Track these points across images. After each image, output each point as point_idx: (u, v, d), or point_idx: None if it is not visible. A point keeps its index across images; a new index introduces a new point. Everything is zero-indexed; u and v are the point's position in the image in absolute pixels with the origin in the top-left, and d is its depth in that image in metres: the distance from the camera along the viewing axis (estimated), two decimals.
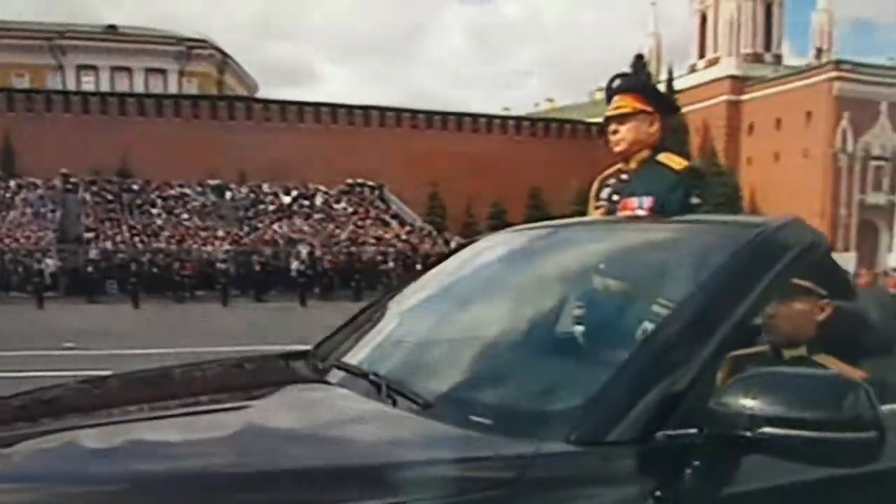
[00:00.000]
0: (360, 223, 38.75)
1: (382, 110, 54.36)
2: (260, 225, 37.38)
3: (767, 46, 70.47)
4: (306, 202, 41.14)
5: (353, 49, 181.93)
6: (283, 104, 52.40)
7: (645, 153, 2.91)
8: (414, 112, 55.30)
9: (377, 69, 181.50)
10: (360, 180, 43.86)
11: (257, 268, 30.19)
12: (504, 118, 59.06)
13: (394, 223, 39.52)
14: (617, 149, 2.97)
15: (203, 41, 55.33)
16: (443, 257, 2.60)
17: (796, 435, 1.24)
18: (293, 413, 1.80)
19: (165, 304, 25.76)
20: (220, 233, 35.27)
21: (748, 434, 1.26)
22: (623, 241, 2.21)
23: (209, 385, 2.21)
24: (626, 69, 60.37)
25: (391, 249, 33.15)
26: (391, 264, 30.61)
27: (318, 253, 31.93)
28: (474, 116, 56.74)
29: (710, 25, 71.65)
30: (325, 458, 1.41)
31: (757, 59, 68.57)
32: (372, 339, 2.24)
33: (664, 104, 3.05)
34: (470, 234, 42.44)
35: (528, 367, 1.86)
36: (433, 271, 2.53)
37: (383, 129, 52.76)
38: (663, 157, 2.90)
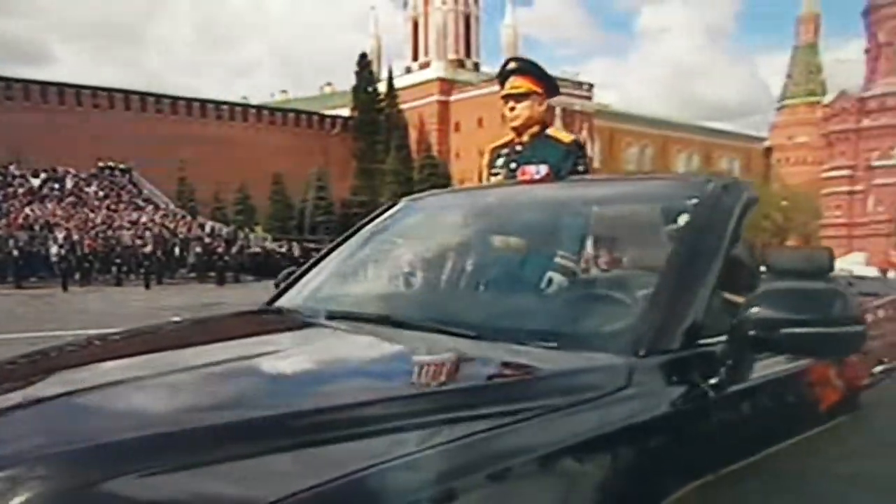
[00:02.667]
0: (113, 207, 36.72)
1: (127, 93, 51.09)
2: (11, 209, 34.32)
3: (468, 54, 75.38)
4: (56, 185, 38.09)
5: (86, 29, 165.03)
6: (26, 83, 47.42)
7: (536, 128, 3.04)
8: (158, 96, 52.69)
9: (109, 51, 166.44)
10: (109, 163, 41.33)
11: (15, 253, 28.08)
12: (245, 106, 58.00)
13: (148, 207, 38.08)
14: (514, 123, 3.06)
15: None
16: (370, 219, 2.41)
17: (804, 332, 1.34)
18: (345, 356, 1.59)
19: None
20: None
21: (767, 336, 1.36)
22: (591, 194, 2.26)
23: (216, 338, 1.84)
24: (353, 67, 62.02)
25: (148, 233, 32.17)
26: (150, 248, 29.81)
27: (75, 237, 30.24)
28: (217, 103, 55.25)
29: (421, 32, 74.99)
30: (410, 389, 1.31)
31: (461, 64, 73.07)
32: (345, 290, 2.16)
33: (551, 87, 3.13)
34: (219, 219, 42.09)
35: (551, 299, 1.90)
36: (365, 230, 2.35)
37: (129, 112, 49.86)
38: (552, 132, 3.07)
